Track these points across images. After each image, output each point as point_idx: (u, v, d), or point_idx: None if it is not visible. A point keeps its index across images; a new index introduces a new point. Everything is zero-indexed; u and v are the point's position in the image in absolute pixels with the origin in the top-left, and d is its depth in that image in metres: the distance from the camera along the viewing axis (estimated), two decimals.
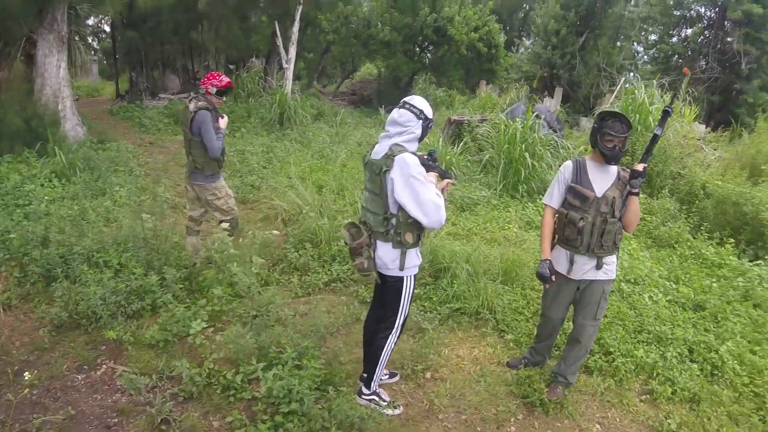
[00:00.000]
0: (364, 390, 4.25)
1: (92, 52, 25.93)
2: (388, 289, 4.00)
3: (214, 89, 5.74)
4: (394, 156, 3.62)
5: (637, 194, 4.10)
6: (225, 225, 5.89)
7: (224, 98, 5.94)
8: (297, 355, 4.36)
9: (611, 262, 4.26)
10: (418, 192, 3.60)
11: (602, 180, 4.15)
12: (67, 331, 5.00)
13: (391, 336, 4.08)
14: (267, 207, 8.35)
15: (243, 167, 10.80)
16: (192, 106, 5.65)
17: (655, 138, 4.16)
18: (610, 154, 4.07)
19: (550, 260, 4.30)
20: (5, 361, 4.52)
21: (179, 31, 20.24)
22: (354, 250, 3.87)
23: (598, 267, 4.21)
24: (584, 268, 4.25)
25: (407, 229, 3.78)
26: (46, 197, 7.62)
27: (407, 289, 3.97)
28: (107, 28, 22.99)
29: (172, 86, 22.12)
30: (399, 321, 4.06)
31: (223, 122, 5.89)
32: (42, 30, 11.45)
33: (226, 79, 5.82)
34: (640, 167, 4.07)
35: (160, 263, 5.68)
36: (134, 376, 4.17)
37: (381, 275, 3.93)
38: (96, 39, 25.98)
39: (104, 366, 4.61)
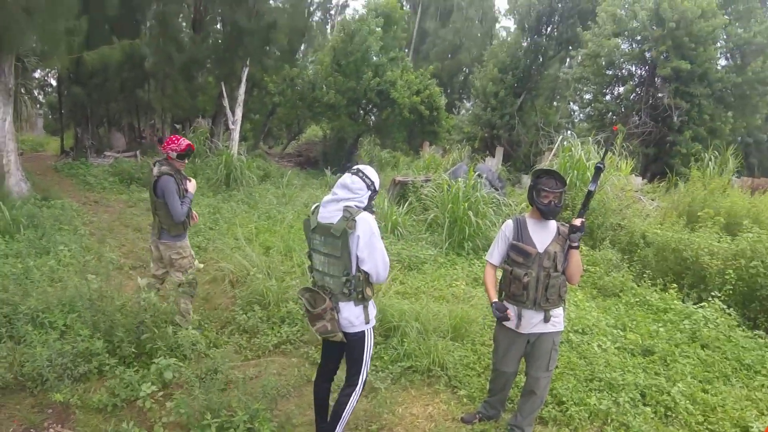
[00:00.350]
0: None
1: (38, 106, 25.61)
2: (351, 347, 4.02)
3: (175, 153, 5.87)
4: (354, 217, 3.70)
5: (577, 248, 4.24)
6: (183, 287, 6.02)
7: (186, 161, 6.03)
8: (248, 418, 4.34)
9: (558, 314, 4.38)
10: (378, 249, 3.80)
11: (543, 236, 4.31)
12: (12, 393, 4.84)
13: (355, 393, 4.08)
14: (214, 269, 8.24)
15: (190, 228, 10.67)
16: (155, 171, 5.80)
17: (589, 194, 4.35)
18: (546, 210, 4.25)
19: (496, 300, 4.40)
20: None
21: (125, 89, 20.14)
22: (317, 315, 3.85)
23: (546, 320, 4.32)
24: (532, 322, 4.35)
25: (366, 285, 3.88)
26: None
27: (369, 342, 4.04)
28: (54, 82, 22.81)
29: (118, 144, 21.91)
30: (363, 377, 4.08)
31: (191, 185, 6.06)
32: None
33: (185, 143, 5.94)
34: (577, 222, 4.22)
35: (106, 325, 5.56)
36: None
37: (344, 334, 3.95)
38: (42, 93, 25.70)
39: (51, 430, 4.46)
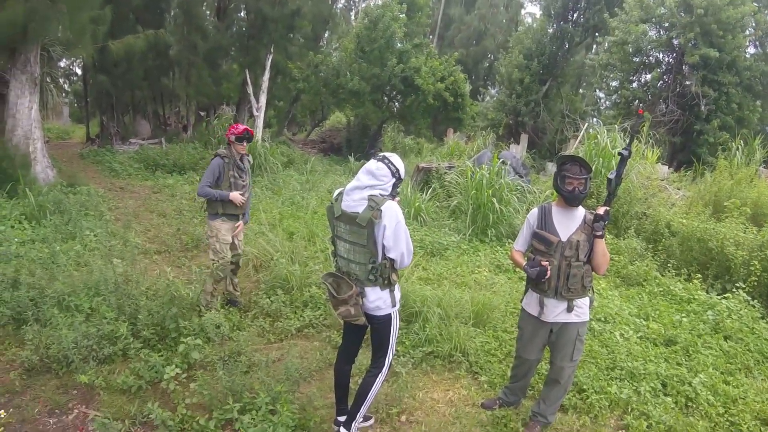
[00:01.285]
0: (344, 431, 4.22)
1: (63, 95, 25.85)
2: (377, 330, 4.07)
3: (233, 137, 6.32)
4: (379, 207, 3.71)
5: (601, 237, 4.15)
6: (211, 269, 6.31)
7: (244, 143, 6.41)
8: (270, 400, 4.38)
9: (583, 304, 4.32)
10: (403, 238, 3.82)
11: (567, 224, 4.25)
12: (38, 374, 4.92)
13: (381, 375, 4.12)
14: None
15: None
16: (215, 152, 6.39)
17: (609, 181, 4.26)
18: (569, 196, 4.19)
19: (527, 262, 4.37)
20: None
21: (150, 77, 20.29)
22: (341, 301, 3.89)
23: (569, 310, 4.27)
24: (555, 311, 4.31)
25: (392, 270, 3.90)
26: (16, 239, 7.58)
27: (395, 325, 4.07)
28: (79, 71, 23.03)
29: (143, 131, 22.09)
30: (389, 359, 4.12)
31: (235, 196, 6.27)
32: (14, 70, 11.48)
33: (242, 127, 6.38)
34: (601, 210, 4.15)
35: (131, 309, 5.63)
36: (107, 420, 4.12)
37: (369, 317, 3.99)
38: (68, 81, 25.97)
39: (76, 410, 4.53)
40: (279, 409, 4.21)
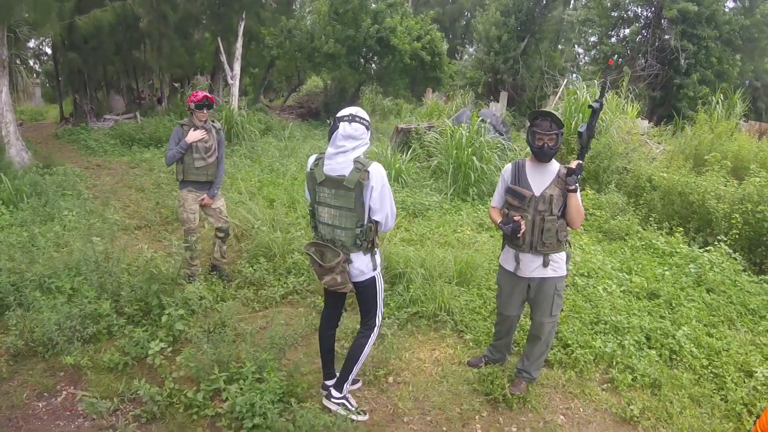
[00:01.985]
0: (335, 393, 4.25)
1: (34, 76, 25.39)
2: (363, 294, 4.11)
3: (193, 105, 6.27)
4: (366, 168, 3.70)
5: (574, 191, 4.14)
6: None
7: (204, 111, 6.33)
8: (257, 368, 4.39)
9: (559, 259, 4.33)
10: (389, 198, 3.87)
11: (541, 179, 4.24)
12: (24, 359, 4.89)
13: (372, 335, 4.16)
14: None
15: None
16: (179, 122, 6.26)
17: (580, 135, 4.24)
18: (539, 152, 4.19)
19: (502, 219, 4.39)
20: None
21: (121, 51, 19.89)
22: (327, 269, 3.87)
23: (545, 264, 4.28)
24: (531, 266, 4.33)
25: (374, 234, 3.92)
26: None
27: (380, 286, 4.11)
28: (49, 50, 22.57)
29: (117, 107, 21.77)
30: (378, 319, 4.17)
31: (191, 135, 6.22)
32: None
33: (201, 94, 6.32)
34: (574, 164, 4.15)
35: (113, 286, 5.60)
36: (95, 400, 4.13)
37: (354, 284, 4.01)
38: (38, 62, 25.44)
39: (64, 392, 4.52)
40: (266, 376, 4.23)
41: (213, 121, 6.55)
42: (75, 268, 6.03)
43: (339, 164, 3.76)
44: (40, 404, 4.39)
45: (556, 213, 4.18)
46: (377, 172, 3.75)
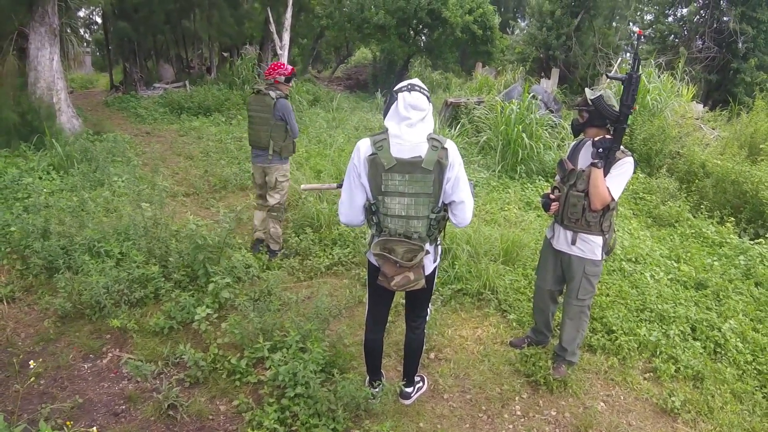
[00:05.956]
0: (407, 390, 4.15)
1: (85, 44, 25.79)
2: (424, 288, 3.57)
3: (282, 78, 6.28)
4: (444, 145, 3.27)
5: (594, 165, 3.96)
6: (275, 208, 6.45)
7: (291, 84, 6.45)
8: (301, 338, 4.40)
9: (589, 240, 4.18)
10: (465, 177, 3.43)
11: (587, 155, 4.15)
12: (71, 321, 5.01)
13: (426, 323, 4.01)
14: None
15: (241, 154, 10.84)
16: (273, 95, 6.15)
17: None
18: (570, 127, 4.22)
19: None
20: (11, 352, 4.52)
21: (171, 21, 20.08)
22: (407, 268, 3.38)
23: (573, 242, 4.22)
24: (560, 240, 4.31)
25: (445, 222, 3.55)
26: (44, 190, 7.63)
27: (436, 276, 3.88)
28: (99, 20, 22.88)
29: (167, 76, 22.00)
30: (431, 306, 4.02)
31: None
32: (33, 23, 11.39)
33: (289, 68, 6.35)
34: (597, 138, 4.04)
35: (161, 251, 5.68)
36: (140, 363, 4.20)
37: None
38: (88, 31, 25.87)
39: (110, 354, 4.61)
40: (309, 346, 4.22)
41: None
42: (124, 233, 6.15)
43: (411, 144, 3.26)
44: (85, 365, 4.48)
45: (583, 190, 4.07)
46: (454, 149, 3.32)
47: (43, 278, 5.61)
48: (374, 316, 3.96)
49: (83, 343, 4.71)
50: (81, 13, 20.99)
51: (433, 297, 5.36)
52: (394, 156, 3.25)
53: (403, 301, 4.25)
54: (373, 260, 3.59)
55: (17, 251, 5.92)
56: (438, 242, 3.60)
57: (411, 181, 3.26)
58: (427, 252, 3.44)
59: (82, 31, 23.93)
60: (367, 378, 4.21)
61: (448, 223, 3.55)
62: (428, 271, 3.59)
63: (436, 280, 3.97)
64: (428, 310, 4.00)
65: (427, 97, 3.39)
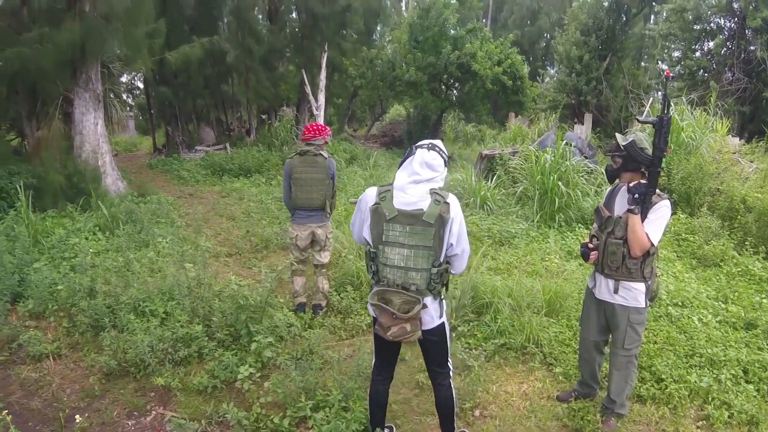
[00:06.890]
0: None
1: (128, 108, 26.68)
2: (434, 343, 3.71)
3: (330, 138, 6.67)
4: (446, 200, 3.35)
5: (631, 212, 3.93)
6: (323, 270, 6.62)
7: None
8: (343, 397, 4.37)
9: (632, 288, 4.11)
10: (465, 233, 3.51)
11: (623, 201, 4.12)
12: (116, 378, 5.07)
13: (452, 379, 3.91)
14: None
15: (281, 214, 10.93)
16: (325, 155, 6.49)
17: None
18: (605, 172, 4.22)
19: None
20: (56, 407, 4.60)
21: (210, 85, 20.75)
22: (403, 319, 3.39)
23: (615, 290, 4.15)
24: (602, 288, 4.24)
25: (447, 276, 3.56)
26: (91, 250, 7.79)
27: (448, 328, 3.82)
28: (141, 85, 23.74)
29: (208, 138, 22.59)
30: (451, 361, 3.91)
31: None
32: (78, 89, 11.92)
33: (328, 129, 6.66)
34: (632, 183, 4.03)
35: (204, 311, 5.74)
36: (183, 421, 4.21)
37: (423, 332, 3.57)
38: (131, 95, 26.84)
39: (154, 412, 4.65)
40: (352, 405, 4.20)
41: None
42: (168, 292, 6.23)
43: (414, 197, 3.36)
44: (129, 422, 4.52)
45: (620, 235, 4.04)
46: (455, 204, 3.40)
47: (89, 336, 5.72)
48: (378, 366, 3.97)
49: (128, 401, 4.75)
50: (123, 79, 21.87)
51: (476, 353, 5.32)
52: (396, 207, 3.36)
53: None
54: (371, 310, 3.64)
55: (64, 309, 6.07)
56: (442, 297, 3.60)
57: (411, 233, 3.34)
58: (425, 306, 3.44)
59: (124, 95, 24.91)
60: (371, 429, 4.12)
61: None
62: (432, 325, 3.59)
63: (452, 335, 3.92)
64: (449, 365, 3.90)
65: (445, 161, 3.52)
